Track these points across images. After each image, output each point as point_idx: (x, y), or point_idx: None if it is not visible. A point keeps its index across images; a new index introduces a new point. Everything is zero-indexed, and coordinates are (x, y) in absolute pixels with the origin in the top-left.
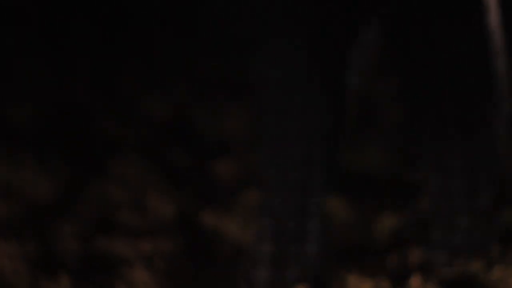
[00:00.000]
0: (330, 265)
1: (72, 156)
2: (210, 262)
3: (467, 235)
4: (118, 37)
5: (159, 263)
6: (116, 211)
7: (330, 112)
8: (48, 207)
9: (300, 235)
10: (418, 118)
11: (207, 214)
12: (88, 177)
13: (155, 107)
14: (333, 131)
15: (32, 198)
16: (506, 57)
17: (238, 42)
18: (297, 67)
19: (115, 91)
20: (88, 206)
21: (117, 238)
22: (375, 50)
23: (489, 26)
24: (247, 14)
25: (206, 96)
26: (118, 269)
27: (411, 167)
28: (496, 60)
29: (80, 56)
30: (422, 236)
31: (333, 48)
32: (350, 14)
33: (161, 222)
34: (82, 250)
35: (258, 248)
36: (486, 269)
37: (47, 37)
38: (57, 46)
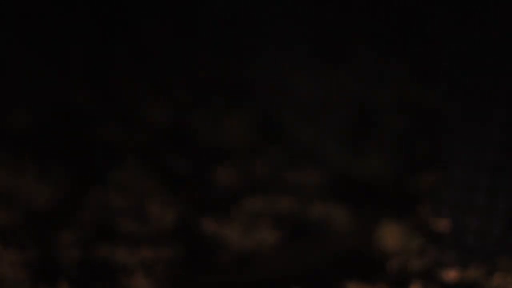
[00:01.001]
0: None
1: (72, 163)
2: (210, 269)
3: (479, 239)
4: (119, 44)
5: (159, 270)
6: (116, 218)
7: None
8: (48, 214)
9: None
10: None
11: (207, 221)
12: (88, 184)
13: (155, 113)
14: None
15: (32, 205)
16: None
17: (241, 50)
18: None
19: (116, 99)
20: (89, 213)
21: (117, 245)
22: None
23: None
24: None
25: (207, 103)
26: (118, 276)
27: (412, 174)
28: None
29: (81, 63)
30: (425, 242)
31: None
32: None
33: (161, 229)
34: (82, 257)
35: None
36: (486, 275)
37: (47, 41)
38: (58, 50)
